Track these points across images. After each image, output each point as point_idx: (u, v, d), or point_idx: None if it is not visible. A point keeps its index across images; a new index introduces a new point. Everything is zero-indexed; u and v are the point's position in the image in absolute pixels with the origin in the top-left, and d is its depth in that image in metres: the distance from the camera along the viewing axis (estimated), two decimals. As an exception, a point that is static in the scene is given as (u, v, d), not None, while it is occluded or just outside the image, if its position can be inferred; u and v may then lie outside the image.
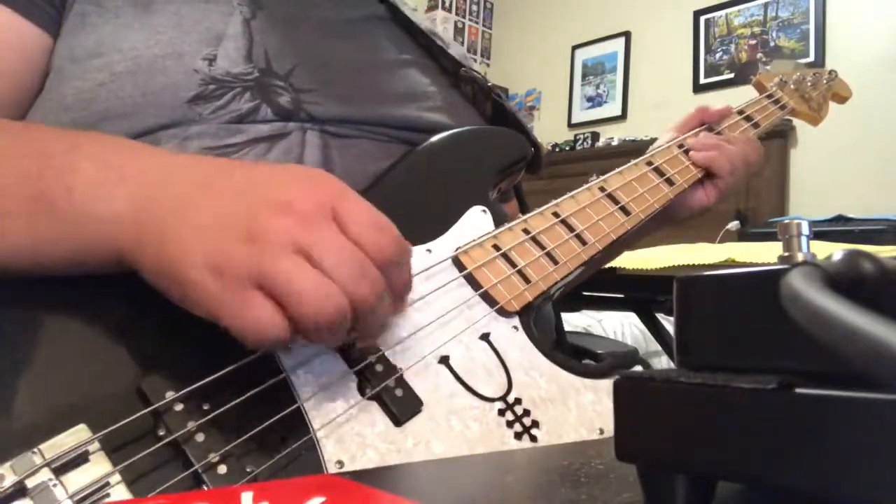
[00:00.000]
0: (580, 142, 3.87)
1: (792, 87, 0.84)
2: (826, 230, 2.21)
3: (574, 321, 1.68)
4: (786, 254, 0.23)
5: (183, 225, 0.35)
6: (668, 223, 0.73)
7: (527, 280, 0.49)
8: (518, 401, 0.43)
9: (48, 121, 0.48)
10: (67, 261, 0.37)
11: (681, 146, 0.68)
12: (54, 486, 0.31)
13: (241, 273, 0.32)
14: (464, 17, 4.41)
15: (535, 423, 0.43)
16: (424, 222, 0.50)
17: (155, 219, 0.35)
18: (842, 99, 0.92)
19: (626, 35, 3.85)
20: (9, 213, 0.36)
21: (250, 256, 0.33)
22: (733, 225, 2.68)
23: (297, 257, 0.33)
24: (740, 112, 0.76)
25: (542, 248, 0.51)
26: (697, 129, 0.72)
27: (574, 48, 4.09)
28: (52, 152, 0.38)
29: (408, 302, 0.41)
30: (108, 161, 0.38)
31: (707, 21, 3.52)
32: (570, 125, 4.05)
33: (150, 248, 0.35)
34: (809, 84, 0.87)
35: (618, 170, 0.62)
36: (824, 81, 0.89)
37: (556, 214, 0.54)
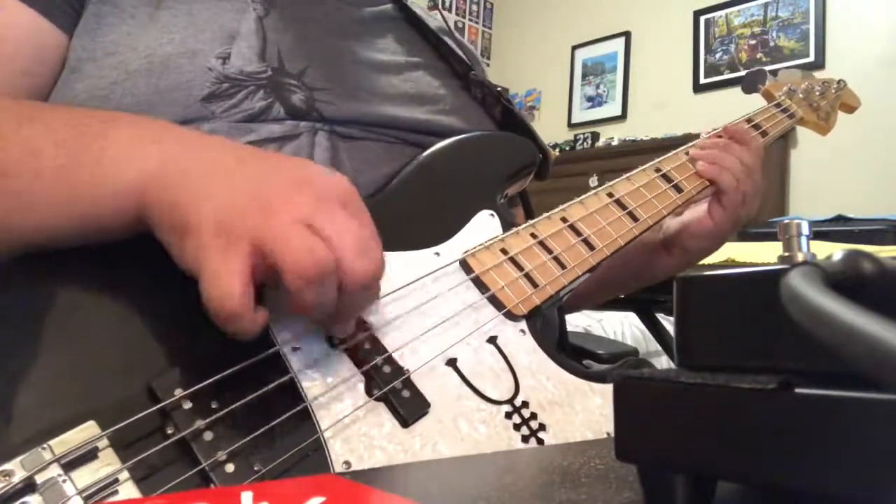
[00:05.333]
0: (580, 142, 3.87)
1: (800, 96, 0.84)
2: (826, 230, 2.21)
3: (574, 321, 1.68)
4: (786, 254, 0.23)
5: (210, 184, 0.36)
6: (682, 258, 0.71)
7: (534, 284, 0.49)
8: (525, 404, 0.43)
9: None
10: (91, 218, 0.38)
11: (688, 153, 0.68)
12: (63, 481, 0.31)
13: (241, 231, 0.34)
14: (464, 17, 4.41)
15: (543, 426, 0.43)
16: (433, 225, 0.50)
17: (185, 174, 0.37)
18: (850, 109, 0.92)
19: (626, 35, 3.84)
20: (43, 172, 0.37)
21: (256, 218, 0.34)
22: (733, 225, 2.68)
23: (299, 224, 0.35)
24: (749, 120, 0.76)
25: (550, 252, 0.51)
26: (708, 135, 0.71)
27: (574, 48, 4.09)
28: (90, 121, 0.39)
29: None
30: (144, 126, 0.40)
31: (707, 21, 3.52)
32: (570, 125, 4.05)
33: (169, 201, 0.36)
34: (818, 93, 0.86)
35: (625, 175, 0.61)
36: (833, 91, 0.88)
37: (564, 219, 0.54)
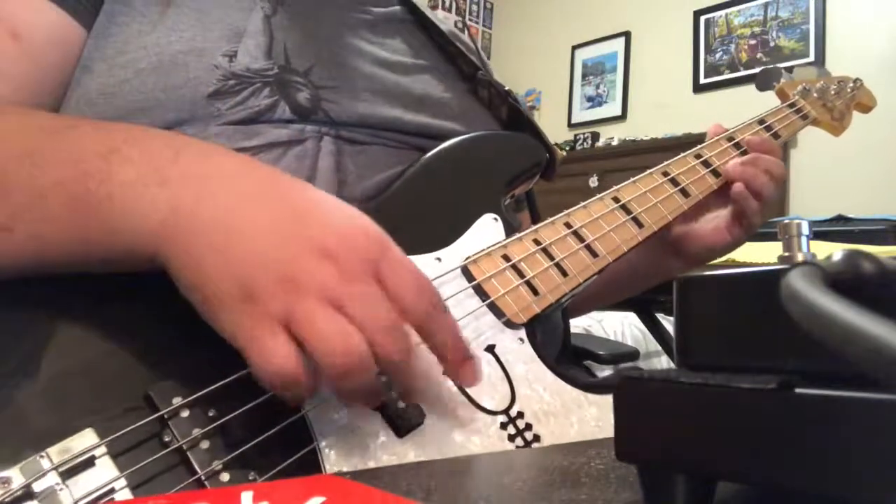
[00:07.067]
0: (580, 142, 3.87)
1: (815, 95, 0.81)
2: (826, 230, 2.21)
3: (574, 321, 1.67)
4: (786, 254, 0.23)
5: (224, 244, 0.35)
6: (693, 263, 0.70)
7: (535, 292, 0.48)
8: (521, 414, 0.43)
9: (74, 115, 0.48)
10: (106, 262, 0.37)
11: (697, 156, 0.66)
12: (61, 490, 0.31)
13: (270, 309, 0.33)
14: (464, 17, 4.41)
15: (537, 438, 0.43)
16: (435, 229, 0.49)
17: (197, 229, 0.35)
18: (866, 108, 0.89)
19: (626, 35, 3.85)
20: (52, 218, 0.37)
21: (284, 295, 0.33)
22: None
23: (327, 306, 0.33)
24: (761, 121, 0.73)
25: (552, 259, 0.50)
26: (717, 137, 0.69)
27: (574, 48, 4.09)
28: (90, 157, 0.37)
29: (474, 363, 0.40)
30: (148, 164, 0.37)
31: (707, 21, 3.52)
32: (570, 125, 4.05)
33: (187, 258, 0.35)
34: (833, 93, 0.83)
35: (632, 179, 0.60)
36: (849, 90, 0.85)
37: (567, 225, 0.53)
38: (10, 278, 0.37)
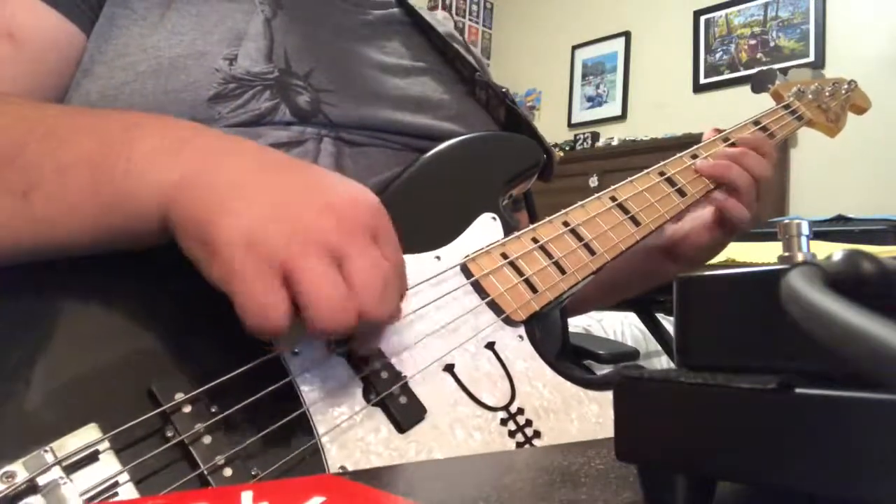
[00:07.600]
0: (580, 142, 3.87)
1: (810, 97, 0.82)
2: (826, 230, 2.21)
3: (574, 321, 1.68)
4: (786, 254, 0.23)
5: (235, 198, 0.36)
6: (686, 265, 0.70)
7: (534, 289, 0.49)
8: (521, 410, 0.43)
9: None
10: (119, 230, 0.38)
11: (693, 156, 0.66)
12: (64, 484, 0.32)
13: (272, 256, 0.33)
14: (464, 17, 4.41)
15: (537, 434, 0.43)
16: (434, 229, 0.50)
17: (209, 187, 0.36)
18: (860, 110, 0.90)
19: (626, 35, 3.85)
20: (71, 188, 0.37)
21: (288, 245, 0.34)
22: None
23: (329, 263, 0.34)
24: (756, 122, 0.74)
25: (551, 257, 0.51)
26: (713, 139, 0.70)
27: (574, 48, 4.09)
28: (112, 129, 0.39)
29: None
30: (169, 133, 0.39)
31: (707, 21, 3.52)
32: (570, 125, 4.05)
33: (199, 213, 0.36)
34: (828, 94, 0.84)
35: (629, 179, 0.61)
36: (843, 92, 0.86)
37: (565, 223, 0.54)
38: (23, 259, 0.37)
